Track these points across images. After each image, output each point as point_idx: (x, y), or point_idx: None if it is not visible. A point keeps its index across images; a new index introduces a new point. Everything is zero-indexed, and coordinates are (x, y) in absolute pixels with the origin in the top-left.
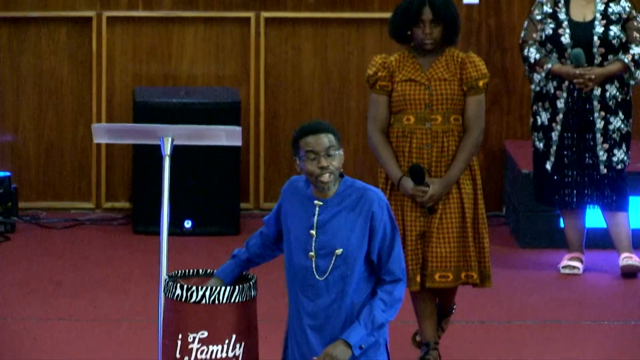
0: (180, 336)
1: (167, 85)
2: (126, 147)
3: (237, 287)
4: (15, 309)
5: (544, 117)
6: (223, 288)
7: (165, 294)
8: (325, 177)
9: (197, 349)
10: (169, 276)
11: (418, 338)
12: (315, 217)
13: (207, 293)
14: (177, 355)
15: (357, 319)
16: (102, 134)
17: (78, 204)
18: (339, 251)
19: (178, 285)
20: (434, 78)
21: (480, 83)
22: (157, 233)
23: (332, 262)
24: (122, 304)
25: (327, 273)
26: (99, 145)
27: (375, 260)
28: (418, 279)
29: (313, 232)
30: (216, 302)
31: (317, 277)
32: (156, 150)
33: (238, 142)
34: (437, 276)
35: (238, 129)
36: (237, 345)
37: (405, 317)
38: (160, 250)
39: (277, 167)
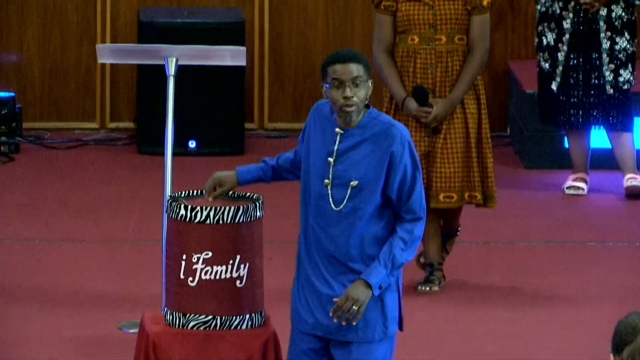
0: (184, 257)
1: (172, 5)
2: (131, 67)
3: (241, 207)
4: (19, 230)
5: (549, 38)
6: (227, 208)
7: (169, 215)
8: (349, 107)
9: (202, 270)
10: (172, 196)
11: (422, 260)
12: (336, 145)
13: (212, 213)
14: (181, 276)
15: (377, 258)
16: (107, 54)
17: (82, 124)
18: (353, 183)
19: (182, 205)
20: None
21: (485, 2)
22: (162, 153)
23: (347, 193)
24: (126, 225)
25: (342, 204)
26: (103, 65)
27: (394, 199)
28: None
29: (331, 159)
30: (220, 222)
31: (333, 206)
32: (161, 70)
33: (242, 62)
34: (441, 196)
35: (242, 48)
36: (242, 266)
37: None
38: (164, 171)
39: (281, 87)
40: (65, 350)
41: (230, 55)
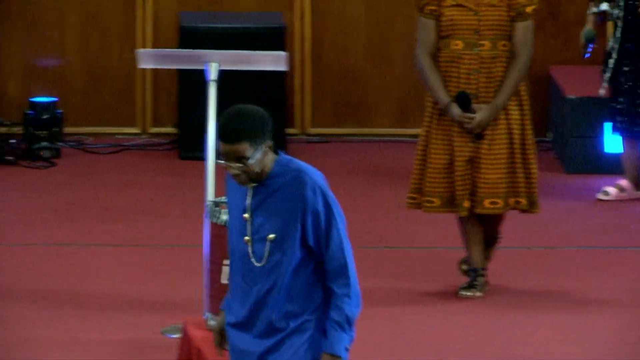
0: (226, 262)
1: (213, 10)
2: (172, 72)
3: None
4: (59, 235)
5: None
6: None
7: (211, 220)
8: (238, 179)
9: None
10: (214, 202)
11: (464, 267)
12: (249, 199)
13: None
14: (224, 281)
15: (330, 325)
16: (148, 59)
17: (123, 129)
18: (271, 236)
19: (224, 210)
20: (482, 4)
21: (528, 9)
22: (203, 158)
23: (267, 247)
24: (166, 230)
25: (265, 259)
26: (144, 70)
27: (314, 247)
28: (466, 204)
29: (247, 215)
30: None
31: (255, 262)
32: (202, 75)
33: (283, 67)
34: (486, 202)
35: (283, 54)
36: None
37: (451, 243)
38: (205, 176)
39: (323, 92)
40: (104, 355)
41: (271, 60)
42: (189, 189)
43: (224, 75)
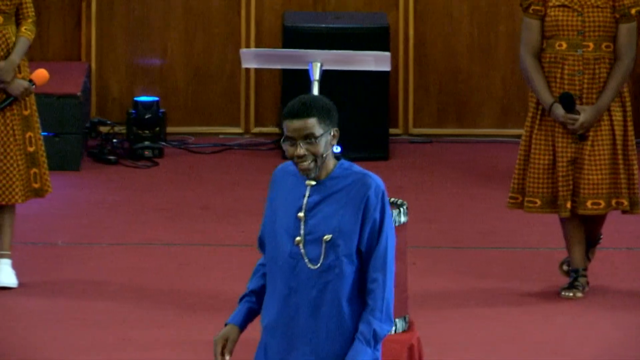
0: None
1: (317, 10)
2: (275, 72)
3: None
4: (162, 234)
5: None
6: None
7: None
8: (304, 164)
9: None
10: None
11: (565, 267)
12: (305, 198)
13: None
14: None
15: (357, 337)
16: (251, 58)
17: (226, 128)
18: (327, 237)
19: None
20: (586, 5)
21: (633, 10)
22: None
23: (322, 249)
24: None
25: (318, 262)
26: (247, 69)
27: (364, 252)
28: (569, 205)
29: (301, 214)
30: None
31: (309, 265)
32: (305, 75)
33: (387, 67)
34: (589, 203)
35: (387, 54)
36: None
37: (553, 243)
38: None
39: (426, 93)
40: (204, 355)
41: (374, 61)
42: None
43: (327, 75)
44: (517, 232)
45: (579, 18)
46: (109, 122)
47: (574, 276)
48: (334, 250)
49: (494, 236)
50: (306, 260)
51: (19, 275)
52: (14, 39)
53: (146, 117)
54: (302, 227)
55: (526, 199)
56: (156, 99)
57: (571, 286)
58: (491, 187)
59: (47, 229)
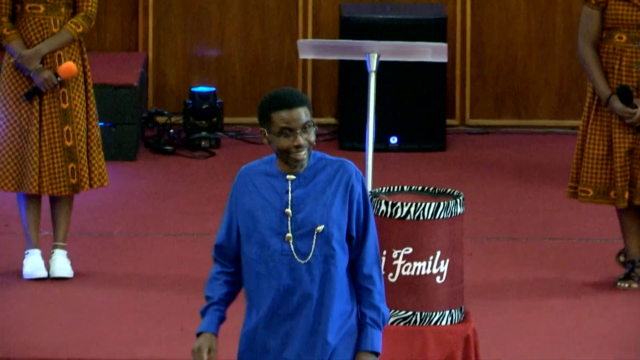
0: (384, 252)
1: (374, 1)
2: (332, 63)
3: (442, 203)
4: (217, 226)
5: None
6: (428, 204)
7: None
8: (301, 154)
9: (402, 265)
10: (373, 192)
11: (622, 258)
12: (289, 193)
13: (412, 209)
14: (382, 272)
15: (369, 323)
16: (308, 49)
17: None
18: (320, 228)
19: (383, 201)
20: None
21: None
22: (363, 149)
23: (314, 241)
24: None
25: (310, 255)
26: (304, 60)
27: (355, 237)
28: (626, 195)
29: (289, 210)
30: (421, 218)
31: (299, 260)
32: (362, 66)
33: (444, 59)
34: None
35: (444, 45)
36: (442, 262)
37: (609, 234)
38: (365, 166)
39: (483, 84)
40: None
41: (431, 52)
42: None
43: (384, 66)
44: (573, 223)
45: (639, 13)
46: (166, 112)
47: (630, 267)
48: (327, 240)
49: (550, 227)
50: (299, 256)
51: (74, 266)
52: (55, 30)
53: (203, 107)
54: (289, 223)
55: (580, 188)
56: (213, 89)
57: (627, 277)
58: (548, 178)
59: (103, 219)
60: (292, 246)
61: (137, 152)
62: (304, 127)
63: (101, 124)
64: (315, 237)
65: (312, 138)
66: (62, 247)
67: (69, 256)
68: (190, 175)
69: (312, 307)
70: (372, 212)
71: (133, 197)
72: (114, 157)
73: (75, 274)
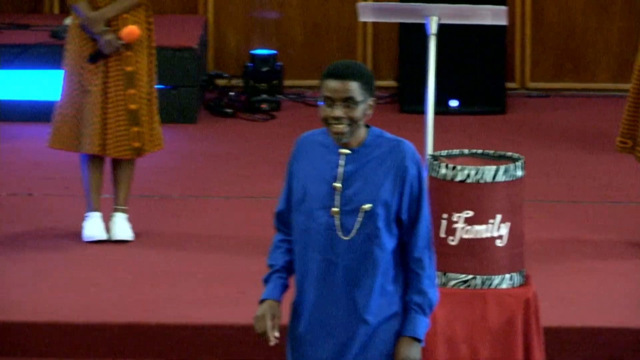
0: (444, 216)
1: None
2: (393, 26)
3: (502, 166)
4: (278, 187)
5: None
6: (488, 168)
7: (430, 173)
8: (338, 127)
9: (462, 229)
10: (433, 155)
11: None
12: (341, 167)
13: (473, 172)
14: (442, 235)
15: (414, 308)
16: (368, 12)
17: None
18: (366, 206)
19: (443, 164)
20: None
21: None
22: (423, 112)
23: (359, 219)
24: None
25: (353, 232)
26: (365, 23)
27: (406, 220)
28: None
29: (338, 184)
30: (481, 181)
31: (342, 236)
32: (422, 29)
33: (504, 22)
34: None
35: (504, 8)
36: (502, 225)
37: None
38: (425, 130)
39: (543, 47)
40: None
41: (491, 15)
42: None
43: (444, 28)
44: (633, 186)
45: None
46: (225, 75)
47: None
48: (373, 219)
49: (610, 190)
50: (343, 231)
51: (134, 228)
52: None
53: (263, 70)
54: (337, 197)
55: (637, 148)
56: (274, 52)
57: None
58: (607, 141)
59: (163, 182)
60: (336, 221)
61: (197, 114)
62: (346, 101)
63: (161, 86)
64: (360, 215)
65: (356, 114)
66: (123, 211)
67: (129, 219)
68: (250, 138)
69: (352, 282)
70: (426, 195)
71: (193, 160)
72: (174, 120)
73: (135, 236)
